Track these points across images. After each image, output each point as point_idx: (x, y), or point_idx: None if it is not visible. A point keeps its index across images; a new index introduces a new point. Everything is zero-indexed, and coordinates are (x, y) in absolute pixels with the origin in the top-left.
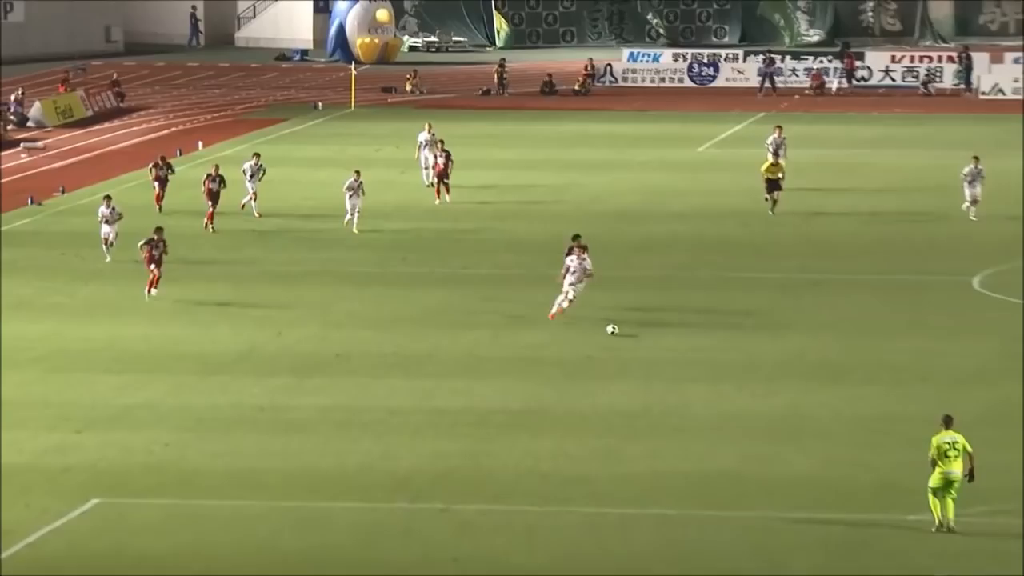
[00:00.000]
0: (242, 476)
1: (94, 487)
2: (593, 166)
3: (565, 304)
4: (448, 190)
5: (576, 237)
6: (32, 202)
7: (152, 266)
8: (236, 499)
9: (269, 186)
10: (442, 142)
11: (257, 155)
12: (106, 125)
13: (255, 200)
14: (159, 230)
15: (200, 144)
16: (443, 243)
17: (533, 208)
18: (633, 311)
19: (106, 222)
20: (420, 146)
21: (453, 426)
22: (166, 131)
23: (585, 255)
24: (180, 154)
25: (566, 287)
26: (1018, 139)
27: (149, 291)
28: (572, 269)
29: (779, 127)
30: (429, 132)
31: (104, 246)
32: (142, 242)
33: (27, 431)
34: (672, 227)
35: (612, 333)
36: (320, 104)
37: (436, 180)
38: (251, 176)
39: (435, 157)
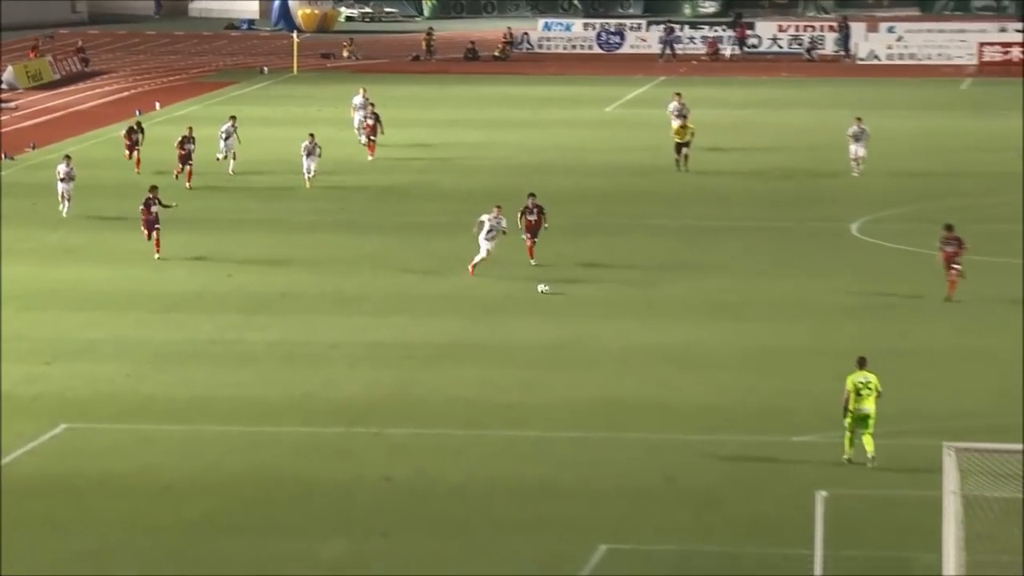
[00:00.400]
0: (196, 403)
1: (62, 413)
2: (511, 124)
3: (478, 259)
4: (374, 148)
5: (531, 195)
6: (5, 157)
7: (148, 231)
8: (190, 424)
9: (218, 143)
10: (373, 105)
11: (233, 118)
12: (72, 88)
13: (234, 158)
14: (154, 188)
15: (157, 104)
16: (377, 194)
17: (457, 163)
18: (547, 256)
19: (64, 179)
20: (354, 108)
21: (386, 358)
22: (126, 93)
23: (501, 215)
24: (139, 113)
25: (484, 244)
26: (892, 100)
27: (157, 250)
28: (489, 227)
29: (678, 94)
30: (363, 96)
31: (62, 201)
32: (141, 205)
33: (2, 363)
34: (582, 180)
35: (543, 292)
36: (266, 69)
37: (368, 138)
38: (227, 137)
39: (366, 118)
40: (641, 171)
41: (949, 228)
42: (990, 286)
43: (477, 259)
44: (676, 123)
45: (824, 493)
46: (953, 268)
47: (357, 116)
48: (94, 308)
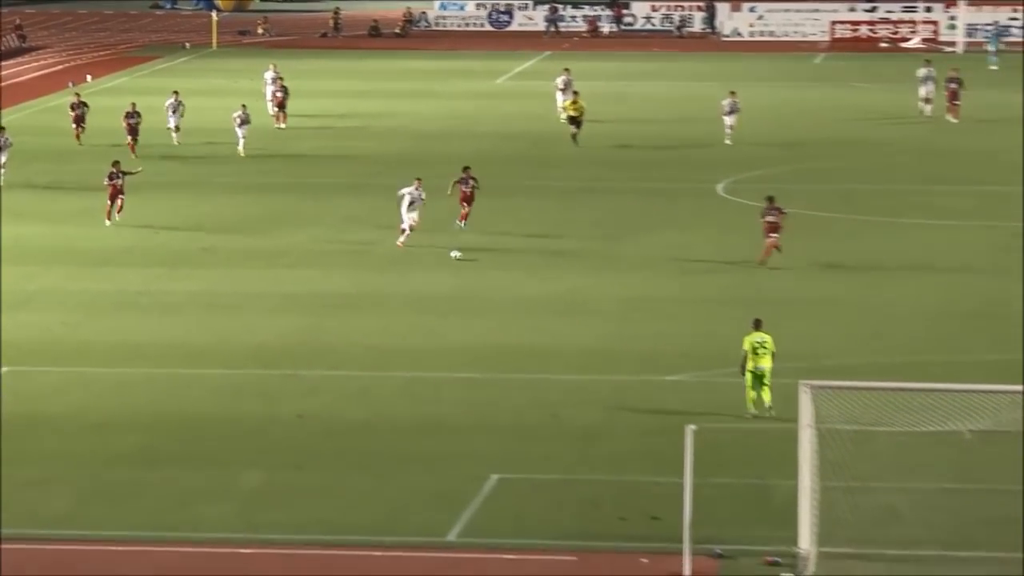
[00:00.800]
0: (126, 348)
1: (5, 357)
2: (410, 95)
3: (404, 231)
4: (284, 118)
5: (467, 168)
6: None
7: (112, 200)
8: (121, 367)
9: (145, 112)
10: (282, 79)
11: (176, 92)
12: (10, 62)
13: (177, 132)
14: (116, 163)
15: (88, 77)
16: (289, 159)
17: (361, 130)
18: (444, 214)
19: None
20: (266, 82)
21: (299, 307)
22: (61, 66)
23: (421, 187)
24: (72, 85)
25: (406, 216)
26: (753, 73)
27: (110, 217)
28: (411, 199)
29: (567, 69)
30: (274, 71)
31: None
32: (105, 180)
33: None
34: (475, 145)
35: (455, 258)
36: (188, 44)
37: (277, 109)
38: (173, 111)
39: (276, 91)
40: (528, 137)
41: (771, 200)
42: (837, 240)
43: (403, 235)
44: (565, 98)
45: (693, 427)
46: (771, 236)
47: (269, 89)
48: (32, 263)
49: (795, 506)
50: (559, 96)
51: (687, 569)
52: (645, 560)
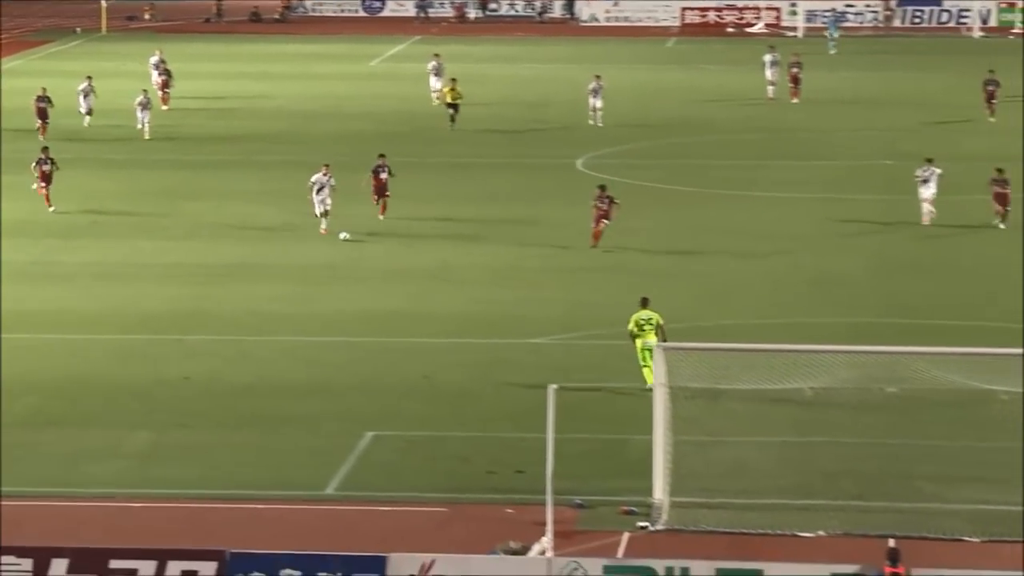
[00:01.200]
0: (20, 316)
1: None
2: (289, 77)
3: (321, 217)
4: (168, 99)
5: (382, 155)
6: None
7: (42, 183)
8: (16, 333)
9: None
10: (165, 63)
11: (89, 78)
12: None
13: (89, 114)
14: (45, 149)
15: None
16: (176, 136)
17: (242, 110)
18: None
19: None
20: (152, 66)
21: (186, 277)
22: None
23: (330, 173)
24: None
25: (316, 203)
26: (609, 56)
27: (49, 205)
28: (320, 185)
29: (437, 54)
30: (159, 56)
31: None
32: (33, 164)
33: None
34: (350, 124)
35: (344, 239)
36: (79, 29)
37: (162, 91)
38: (85, 96)
39: (160, 74)
40: (400, 116)
41: (602, 188)
42: (689, 212)
43: (322, 222)
44: (439, 81)
45: (555, 386)
46: (602, 222)
47: (154, 73)
48: None
49: (650, 460)
50: (433, 80)
51: (549, 518)
52: (511, 511)
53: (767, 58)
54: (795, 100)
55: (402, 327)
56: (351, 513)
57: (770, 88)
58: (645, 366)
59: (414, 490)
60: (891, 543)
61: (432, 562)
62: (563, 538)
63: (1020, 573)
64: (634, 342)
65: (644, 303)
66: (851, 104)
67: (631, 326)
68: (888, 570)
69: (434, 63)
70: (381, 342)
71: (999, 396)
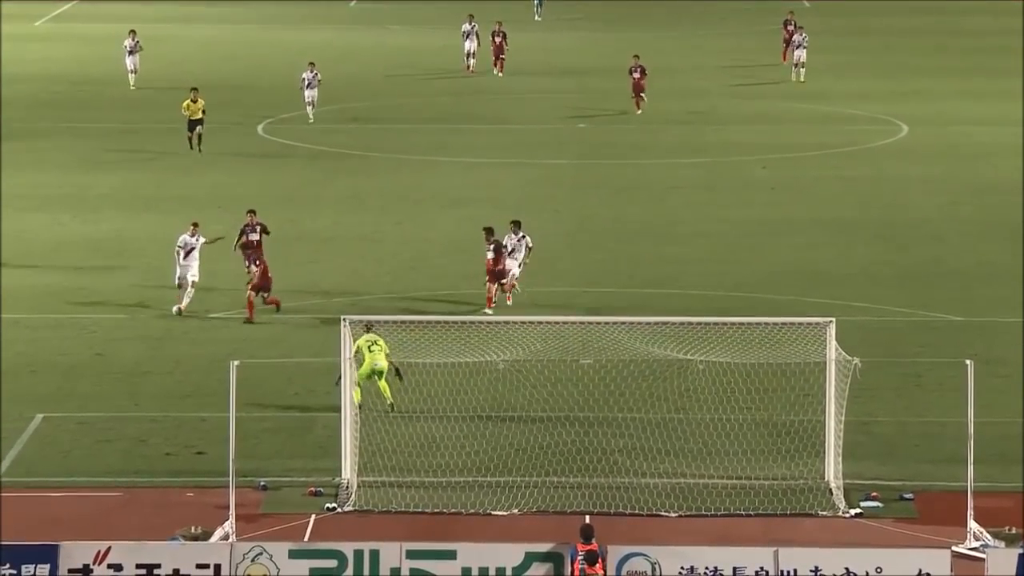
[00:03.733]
0: None
1: None
2: None
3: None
4: None
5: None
6: None
7: None
8: None
9: None
10: None
11: None
12: None
13: None
14: None
15: None
16: None
17: None
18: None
19: None
20: None
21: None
22: None
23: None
24: None
25: None
26: (283, 17)
27: None
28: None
29: (133, 31)
30: None
31: None
32: None
33: None
34: (14, 88)
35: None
36: None
37: None
38: None
39: None
40: (69, 79)
41: (489, 231)
42: (375, 178)
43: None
44: (133, 61)
45: (236, 362)
46: (503, 282)
47: None
48: None
49: (338, 438)
50: (128, 60)
51: (232, 501)
52: (191, 494)
53: (465, 28)
54: (499, 73)
55: (71, 303)
56: (19, 500)
57: (471, 60)
58: (360, 387)
59: (87, 474)
60: (587, 519)
61: (108, 550)
62: (247, 522)
63: (720, 547)
64: (358, 362)
65: (369, 327)
66: (551, 71)
67: (359, 344)
68: (582, 547)
69: (129, 41)
70: (49, 319)
71: (696, 366)
